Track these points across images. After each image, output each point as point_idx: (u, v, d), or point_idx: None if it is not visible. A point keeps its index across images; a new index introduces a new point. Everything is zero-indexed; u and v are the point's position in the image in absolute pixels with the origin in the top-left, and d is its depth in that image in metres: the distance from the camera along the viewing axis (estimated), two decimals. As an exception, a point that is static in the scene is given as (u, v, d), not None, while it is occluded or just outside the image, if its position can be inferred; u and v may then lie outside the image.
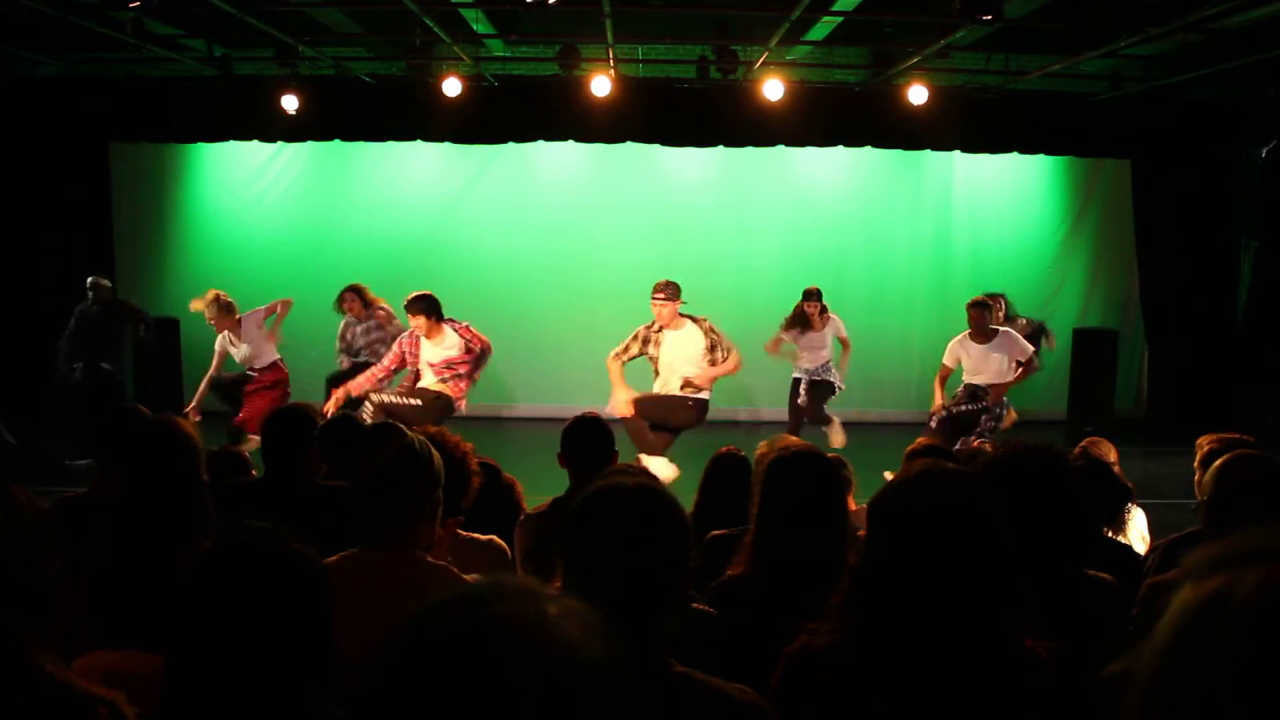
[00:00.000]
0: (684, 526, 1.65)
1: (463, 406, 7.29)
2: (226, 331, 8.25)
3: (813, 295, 8.66)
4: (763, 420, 10.37)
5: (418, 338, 7.21)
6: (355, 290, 8.74)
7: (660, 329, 7.20)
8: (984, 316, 7.86)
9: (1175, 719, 0.81)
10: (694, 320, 7.24)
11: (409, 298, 7.19)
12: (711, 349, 7.18)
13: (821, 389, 8.66)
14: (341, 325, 8.91)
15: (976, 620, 1.72)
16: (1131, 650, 0.88)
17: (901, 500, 1.81)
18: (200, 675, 1.47)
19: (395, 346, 7.35)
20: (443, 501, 2.48)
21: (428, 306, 7.10)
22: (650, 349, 7.23)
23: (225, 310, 8.19)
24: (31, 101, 10.08)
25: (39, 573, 1.50)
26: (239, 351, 8.30)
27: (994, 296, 8.91)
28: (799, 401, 8.67)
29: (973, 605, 1.72)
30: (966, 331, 7.95)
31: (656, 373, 7.28)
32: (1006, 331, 7.98)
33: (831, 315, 8.72)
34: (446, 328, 7.20)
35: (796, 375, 8.76)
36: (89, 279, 8.98)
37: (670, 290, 7.12)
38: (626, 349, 7.26)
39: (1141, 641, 0.87)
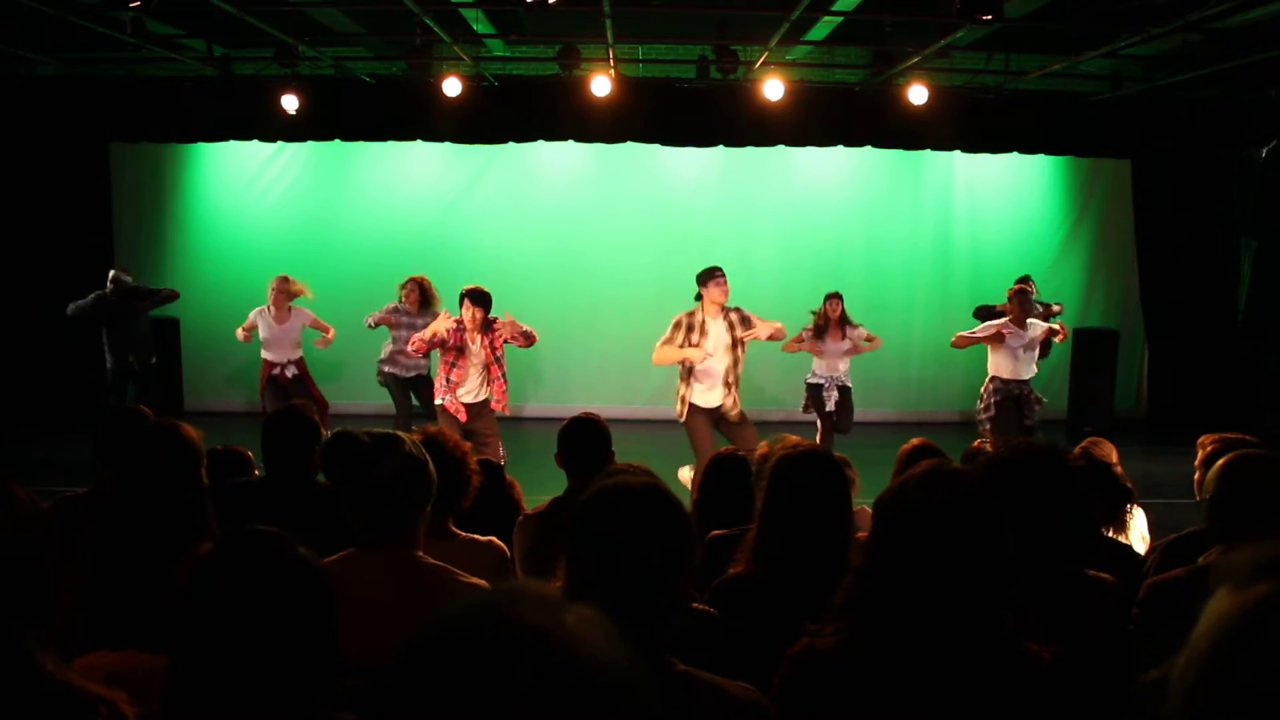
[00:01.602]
0: (687, 526, 1.66)
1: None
2: (272, 309, 8.53)
3: (834, 296, 8.61)
4: (763, 420, 10.36)
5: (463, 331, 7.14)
6: (420, 283, 8.68)
7: (704, 319, 7.11)
8: (1027, 302, 7.93)
9: None
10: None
11: (470, 289, 7.16)
12: (733, 346, 7.14)
13: (847, 395, 8.58)
14: (389, 308, 8.77)
15: (979, 621, 1.72)
16: (1167, 659, 0.87)
17: (904, 500, 1.81)
18: (204, 678, 1.47)
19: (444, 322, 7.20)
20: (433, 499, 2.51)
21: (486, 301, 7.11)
22: (695, 337, 7.08)
23: (289, 292, 8.63)
24: (31, 101, 10.08)
25: (39, 572, 1.50)
26: (269, 330, 8.53)
27: (1025, 280, 8.92)
28: (828, 408, 8.49)
29: (976, 606, 1.72)
30: (1006, 319, 7.97)
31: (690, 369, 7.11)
32: (1032, 322, 8.04)
33: (853, 326, 8.58)
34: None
35: (815, 381, 8.59)
36: (111, 271, 8.96)
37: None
38: (670, 339, 7.12)
39: (1178, 649, 0.86)
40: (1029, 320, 7.97)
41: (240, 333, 8.62)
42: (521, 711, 0.75)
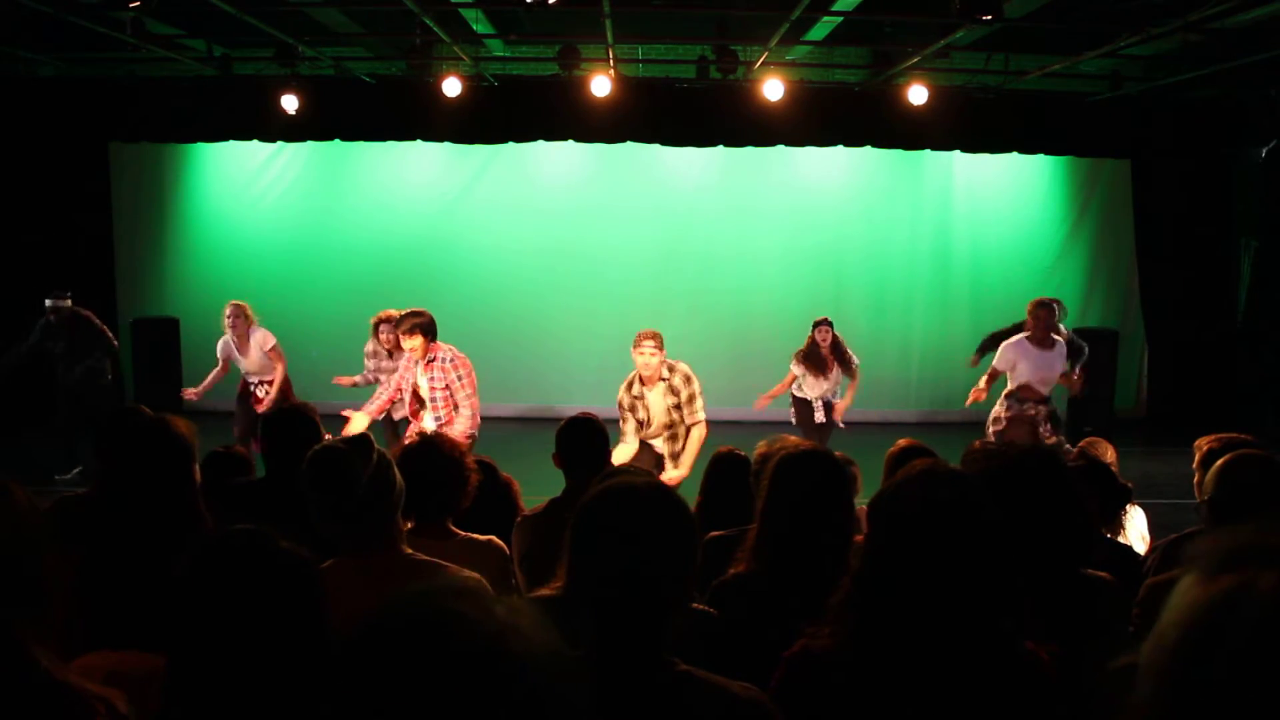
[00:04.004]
0: (691, 527, 1.65)
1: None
2: (233, 338, 7.95)
3: (821, 323, 8.11)
4: (763, 420, 10.36)
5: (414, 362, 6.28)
6: (390, 322, 7.57)
7: (641, 387, 6.26)
8: (1051, 317, 7.24)
9: (1186, 714, 0.81)
10: (668, 370, 6.24)
11: (401, 315, 6.32)
12: (676, 407, 6.21)
13: (831, 408, 8.18)
14: (368, 356, 8.02)
15: (977, 622, 1.71)
16: (1136, 647, 0.88)
17: (900, 501, 1.80)
18: (198, 676, 1.47)
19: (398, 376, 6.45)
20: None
21: (425, 327, 6.16)
22: (639, 411, 6.27)
23: (245, 318, 7.93)
24: (31, 101, 10.08)
25: (36, 569, 1.50)
26: (244, 363, 8.06)
27: (1052, 300, 8.64)
28: (817, 420, 8.12)
29: (973, 607, 1.71)
30: (1024, 335, 7.32)
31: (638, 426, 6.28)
32: (1061, 343, 7.37)
33: (845, 357, 8.11)
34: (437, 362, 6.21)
35: (804, 397, 8.20)
36: (47, 300, 8.36)
37: (659, 340, 6.19)
38: (626, 419, 6.28)
39: (1146, 638, 0.87)
40: (1055, 340, 7.29)
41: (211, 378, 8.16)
42: (444, 691, 0.83)
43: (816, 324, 8.18)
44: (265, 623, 1.48)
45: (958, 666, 1.69)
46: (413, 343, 6.17)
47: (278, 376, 8.07)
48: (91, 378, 8.55)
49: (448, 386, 6.22)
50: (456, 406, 6.24)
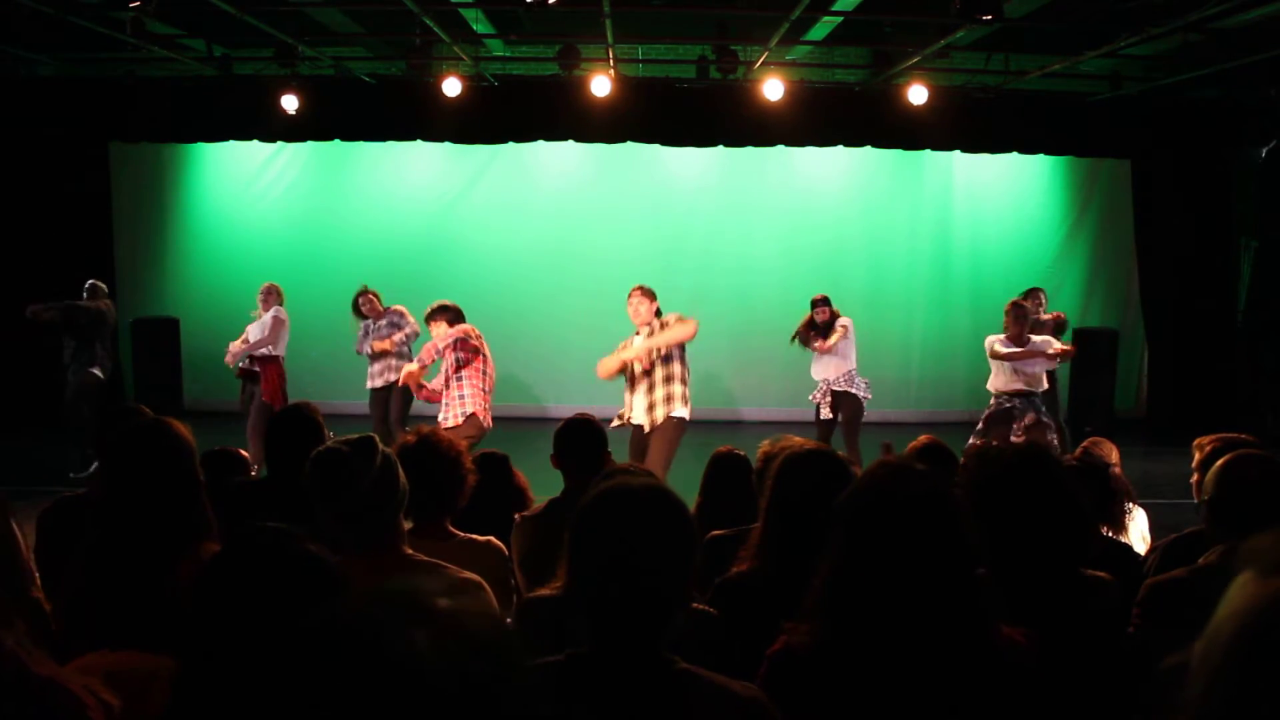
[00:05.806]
0: (691, 527, 1.66)
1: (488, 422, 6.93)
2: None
3: (816, 303, 8.42)
4: (764, 420, 10.38)
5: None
6: (369, 292, 8.67)
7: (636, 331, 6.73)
8: (1023, 315, 7.55)
9: (1243, 710, 0.81)
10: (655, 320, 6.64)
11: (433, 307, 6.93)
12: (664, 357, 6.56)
13: (845, 401, 8.21)
14: (361, 330, 8.66)
15: (944, 611, 1.73)
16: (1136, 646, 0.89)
17: (862, 498, 1.83)
18: (216, 677, 1.46)
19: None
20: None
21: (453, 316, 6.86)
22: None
23: (273, 295, 8.56)
24: (31, 101, 10.08)
25: (9, 567, 1.50)
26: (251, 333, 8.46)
27: (1034, 291, 8.77)
28: (822, 416, 8.28)
29: (939, 597, 1.73)
30: (1004, 335, 7.57)
31: (632, 378, 6.68)
32: (1045, 340, 7.61)
33: (843, 330, 8.27)
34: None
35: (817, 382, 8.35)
36: (89, 282, 8.69)
37: (644, 290, 6.74)
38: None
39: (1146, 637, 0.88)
40: (1047, 341, 7.58)
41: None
42: (393, 683, 0.86)
43: (813, 302, 8.46)
44: (290, 623, 1.47)
45: (931, 655, 1.71)
46: (436, 330, 6.77)
47: (258, 341, 8.39)
48: (84, 367, 8.50)
49: (460, 367, 6.78)
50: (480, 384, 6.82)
